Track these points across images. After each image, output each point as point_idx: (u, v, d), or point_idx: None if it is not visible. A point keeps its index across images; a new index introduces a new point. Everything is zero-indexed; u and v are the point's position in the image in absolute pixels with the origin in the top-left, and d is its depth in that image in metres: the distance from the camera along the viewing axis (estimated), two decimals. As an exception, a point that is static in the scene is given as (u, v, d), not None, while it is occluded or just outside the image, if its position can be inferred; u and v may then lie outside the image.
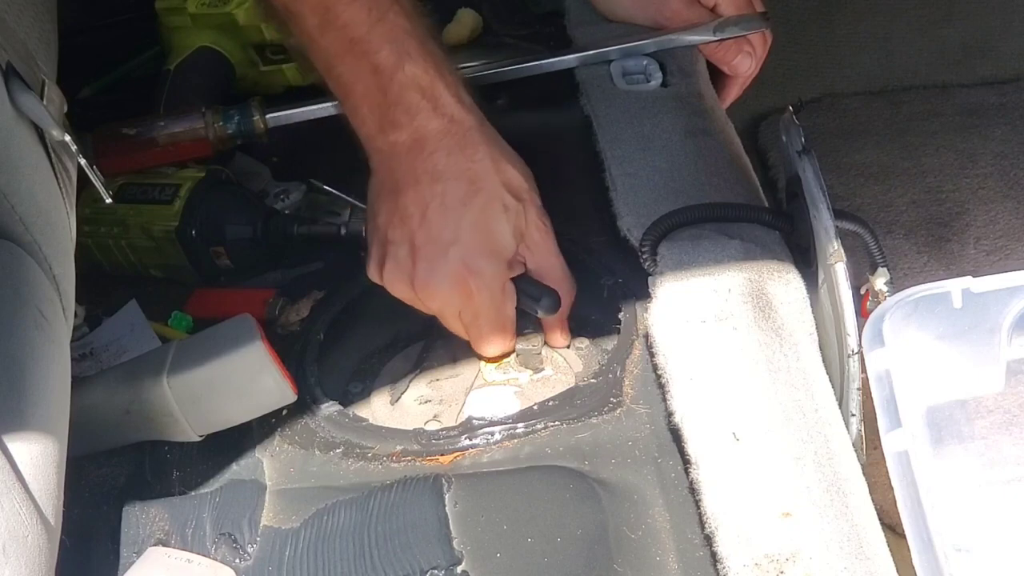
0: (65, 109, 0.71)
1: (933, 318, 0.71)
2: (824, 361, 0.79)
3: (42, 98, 0.67)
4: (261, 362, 0.79)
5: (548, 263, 0.86)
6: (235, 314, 0.84)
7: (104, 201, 0.79)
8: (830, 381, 0.78)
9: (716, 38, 1.04)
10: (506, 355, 0.88)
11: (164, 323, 0.93)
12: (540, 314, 0.86)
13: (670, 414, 0.75)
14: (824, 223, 0.77)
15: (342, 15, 0.81)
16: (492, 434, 0.80)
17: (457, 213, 0.82)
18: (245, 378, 0.79)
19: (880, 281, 0.81)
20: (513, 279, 0.85)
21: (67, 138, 0.69)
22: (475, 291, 0.82)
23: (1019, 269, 0.71)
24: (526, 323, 0.89)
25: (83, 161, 0.72)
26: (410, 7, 0.84)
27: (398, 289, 0.84)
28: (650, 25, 1.07)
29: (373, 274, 0.86)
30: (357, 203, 0.97)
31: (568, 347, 0.90)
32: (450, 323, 0.86)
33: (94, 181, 0.74)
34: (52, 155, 0.69)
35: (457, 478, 0.75)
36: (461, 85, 0.85)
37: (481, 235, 0.82)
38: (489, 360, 0.89)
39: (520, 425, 0.80)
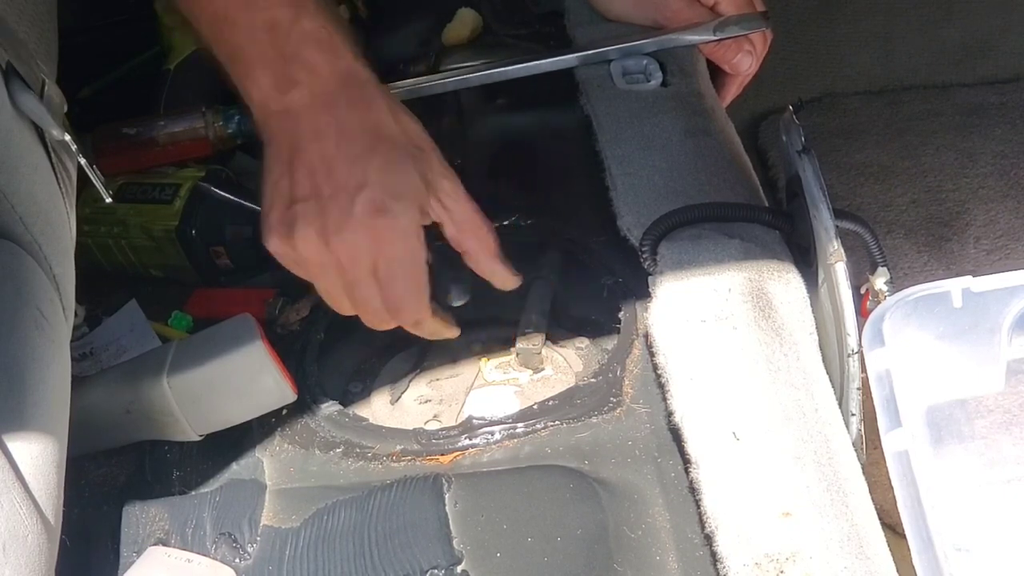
0: (65, 109, 0.71)
1: (933, 318, 0.71)
2: (824, 360, 0.79)
3: (42, 98, 0.67)
4: (261, 362, 0.79)
5: (462, 210, 0.83)
6: (235, 314, 0.85)
7: (104, 201, 0.78)
8: (830, 381, 0.78)
9: (716, 37, 1.04)
10: (419, 322, 0.83)
11: (164, 323, 0.93)
12: (455, 302, 0.85)
13: (670, 414, 0.75)
14: (824, 223, 0.77)
15: None
16: (492, 434, 0.80)
17: (364, 160, 0.79)
18: (245, 378, 0.79)
19: (880, 281, 0.80)
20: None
21: (67, 138, 0.69)
22: (387, 233, 0.78)
23: (1019, 269, 0.71)
24: (526, 322, 0.89)
25: (83, 160, 0.71)
26: None
27: (311, 248, 0.79)
28: (649, 25, 1.07)
29: (276, 243, 0.80)
30: (252, 205, 0.94)
31: (519, 286, 0.87)
32: (362, 282, 0.80)
33: (94, 181, 0.74)
34: (52, 155, 0.69)
35: (457, 478, 0.75)
36: (355, 42, 0.84)
37: (390, 178, 0.79)
38: (412, 330, 0.84)
39: (520, 425, 0.80)
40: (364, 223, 0.78)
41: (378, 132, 0.81)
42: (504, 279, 0.86)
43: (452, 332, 0.86)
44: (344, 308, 0.82)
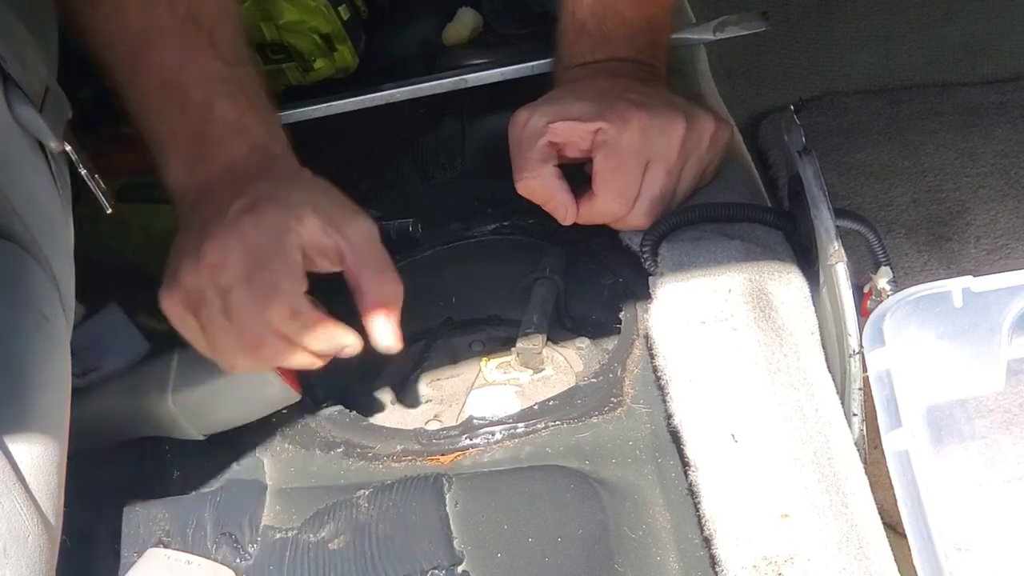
0: (69, 115, 0.71)
1: (933, 317, 0.71)
2: (826, 360, 0.79)
3: (42, 107, 0.67)
4: (264, 375, 0.79)
5: (361, 244, 0.76)
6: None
7: (106, 211, 0.77)
8: (832, 380, 0.78)
9: (715, 37, 1.04)
10: (296, 312, 0.74)
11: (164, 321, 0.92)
12: None
13: (669, 416, 0.75)
14: (825, 223, 0.77)
15: (154, 60, 0.81)
16: (493, 434, 0.80)
17: (250, 188, 0.77)
18: (249, 390, 0.80)
19: (883, 280, 0.80)
20: None
21: (67, 148, 0.69)
22: (251, 228, 0.74)
23: (1019, 268, 0.71)
24: (527, 322, 0.89)
25: (84, 172, 0.71)
26: (230, 53, 0.83)
27: (186, 272, 0.74)
28: None
29: (167, 293, 0.75)
30: None
31: (397, 347, 0.78)
32: (235, 288, 0.73)
33: (95, 192, 0.73)
34: (51, 158, 0.69)
35: (458, 478, 0.75)
36: (275, 122, 0.85)
37: (269, 190, 0.77)
38: (297, 333, 0.74)
39: (520, 425, 0.80)
40: (231, 224, 0.75)
41: (285, 200, 0.77)
42: (385, 335, 0.76)
43: (348, 337, 0.76)
44: (223, 338, 0.74)
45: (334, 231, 0.75)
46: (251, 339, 0.74)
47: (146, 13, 0.82)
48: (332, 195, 0.79)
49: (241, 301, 0.73)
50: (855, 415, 0.76)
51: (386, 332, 0.76)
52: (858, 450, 0.75)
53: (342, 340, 0.76)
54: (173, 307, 0.76)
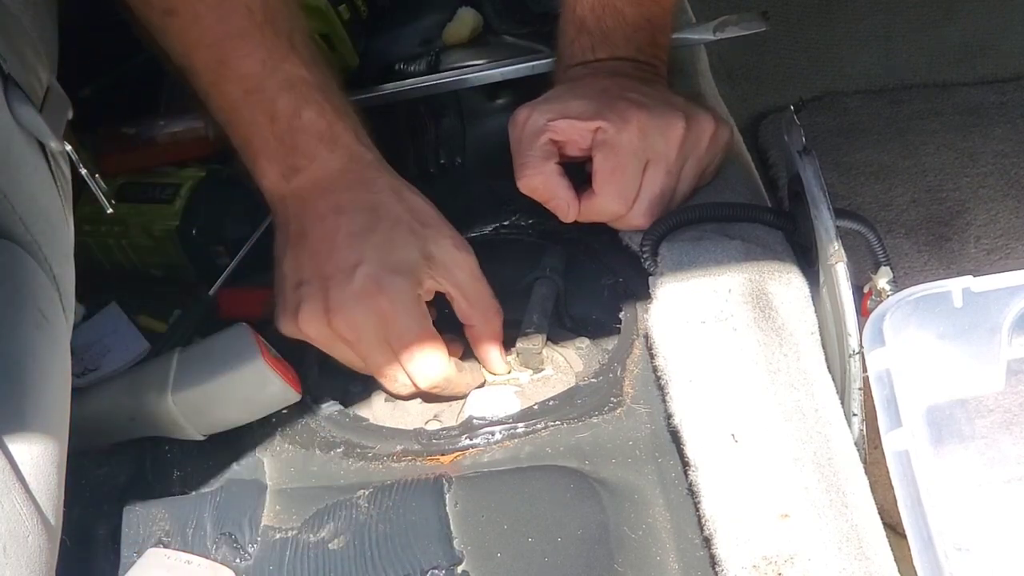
0: (69, 115, 0.71)
1: (934, 317, 0.71)
2: (826, 360, 0.79)
3: (43, 107, 0.67)
4: (263, 375, 0.80)
5: (468, 286, 0.85)
6: (234, 312, 0.86)
7: (106, 212, 0.78)
8: (832, 380, 0.78)
9: (715, 37, 1.04)
10: (448, 380, 0.84)
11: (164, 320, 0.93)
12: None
13: (669, 416, 0.75)
14: (825, 223, 0.77)
15: (237, 68, 0.82)
16: (492, 434, 0.80)
17: (362, 238, 0.82)
18: (249, 390, 0.80)
19: (883, 280, 0.80)
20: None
21: (67, 148, 0.69)
22: (388, 308, 0.80)
23: (1019, 268, 0.71)
24: (528, 322, 0.89)
25: (84, 171, 0.72)
26: (308, 56, 0.86)
27: (313, 328, 0.81)
28: None
29: (288, 326, 0.83)
30: None
31: (508, 372, 0.89)
32: (375, 351, 0.82)
33: (95, 192, 0.74)
34: (51, 159, 0.69)
35: (457, 478, 0.75)
36: (360, 126, 0.87)
37: (387, 254, 0.82)
38: (432, 391, 0.84)
39: (520, 425, 0.80)
40: (361, 299, 0.80)
41: (377, 211, 0.83)
42: (497, 364, 0.88)
43: (482, 377, 0.88)
44: (370, 373, 0.84)
45: (445, 279, 0.83)
46: (392, 389, 0.84)
47: (224, 20, 0.83)
48: (434, 227, 0.84)
49: (381, 363, 0.82)
50: (855, 415, 0.76)
51: (499, 362, 0.87)
52: (858, 450, 0.75)
53: (469, 389, 0.86)
54: (297, 336, 0.83)
